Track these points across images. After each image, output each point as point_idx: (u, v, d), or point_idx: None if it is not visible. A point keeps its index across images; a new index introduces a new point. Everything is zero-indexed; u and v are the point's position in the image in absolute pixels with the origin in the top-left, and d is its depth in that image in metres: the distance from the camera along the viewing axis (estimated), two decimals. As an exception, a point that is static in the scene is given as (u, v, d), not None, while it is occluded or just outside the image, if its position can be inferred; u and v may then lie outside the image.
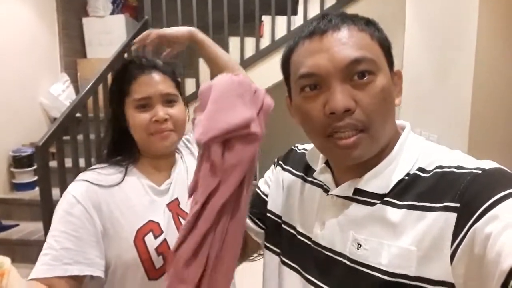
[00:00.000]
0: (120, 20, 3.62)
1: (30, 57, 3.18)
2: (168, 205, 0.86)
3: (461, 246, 0.44)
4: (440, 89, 1.65)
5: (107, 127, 0.92)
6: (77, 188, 0.79)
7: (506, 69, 1.38)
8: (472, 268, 0.43)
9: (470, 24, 1.38)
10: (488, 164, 0.48)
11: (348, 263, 0.54)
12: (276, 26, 2.88)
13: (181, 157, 0.98)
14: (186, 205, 0.87)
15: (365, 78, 0.51)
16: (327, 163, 0.62)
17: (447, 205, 0.47)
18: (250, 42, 2.95)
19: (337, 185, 0.59)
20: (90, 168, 0.86)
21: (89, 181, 0.80)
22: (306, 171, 0.68)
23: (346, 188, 0.57)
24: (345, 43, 0.51)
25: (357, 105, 0.51)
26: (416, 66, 1.87)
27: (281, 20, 2.89)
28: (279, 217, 0.69)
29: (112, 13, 3.69)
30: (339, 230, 0.56)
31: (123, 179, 0.84)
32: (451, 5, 1.54)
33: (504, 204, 0.42)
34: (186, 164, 0.97)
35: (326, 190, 0.61)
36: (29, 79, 3.16)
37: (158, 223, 0.82)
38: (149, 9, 3.00)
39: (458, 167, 0.49)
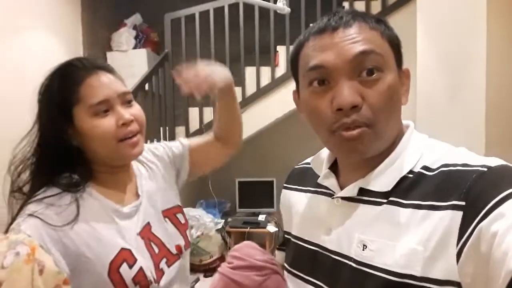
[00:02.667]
0: (142, 54, 3.79)
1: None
2: (139, 233, 0.78)
3: (467, 245, 0.43)
4: (453, 109, 1.66)
5: (36, 150, 0.74)
6: (30, 227, 0.66)
7: None
8: (478, 267, 0.43)
9: (480, 43, 1.41)
10: (494, 162, 0.48)
11: (354, 265, 0.53)
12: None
13: (150, 171, 0.89)
14: (159, 227, 0.82)
15: (373, 76, 0.51)
16: (331, 168, 0.63)
17: (452, 204, 0.46)
18: (265, 71, 3.04)
19: (341, 189, 0.59)
20: (38, 197, 0.70)
21: (40, 219, 0.67)
22: (309, 183, 0.68)
23: (351, 189, 0.57)
24: (354, 39, 0.51)
25: (364, 101, 0.51)
26: (429, 87, 1.89)
27: (296, 50, 2.97)
28: (288, 233, 0.71)
29: (135, 47, 3.88)
30: (345, 232, 0.56)
31: (78, 214, 0.70)
32: (460, 26, 1.59)
33: (510, 202, 0.42)
34: (158, 183, 0.89)
35: (331, 195, 0.61)
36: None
37: (129, 250, 0.74)
38: (169, 43, 3.15)
39: (463, 165, 0.49)
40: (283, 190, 0.77)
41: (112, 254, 0.72)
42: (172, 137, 3.18)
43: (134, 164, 0.89)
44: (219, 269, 0.66)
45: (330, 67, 0.52)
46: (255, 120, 3.01)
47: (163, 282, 0.78)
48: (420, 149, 0.55)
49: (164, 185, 0.92)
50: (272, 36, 2.97)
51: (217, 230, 3.10)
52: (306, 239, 0.64)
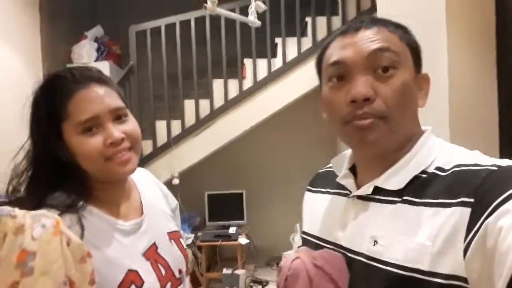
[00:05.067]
0: (104, 66, 3.68)
1: (16, 104, 3.18)
2: (144, 254, 0.74)
3: (474, 241, 0.45)
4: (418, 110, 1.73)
5: (30, 164, 0.71)
6: None
7: (481, 92, 1.47)
8: (485, 262, 0.43)
9: (441, 45, 1.48)
10: (505, 162, 0.49)
11: (364, 260, 0.55)
12: (257, 68, 3.01)
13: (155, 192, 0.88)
14: (166, 249, 0.79)
15: (388, 72, 0.54)
16: (351, 169, 0.65)
17: (462, 201, 0.47)
18: (233, 83, 3.06)
19: (358, 189, 0.61)
20: None
21: None
22: (330, 185, 0.70)
23: (366, 188, 0.59)
24: (372, 38, 0.55)
25: (377, 95, 0.53)
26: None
27: (262, 62, 3.03)
28: (307, 233, 0.72)
29: (96, 60, 3.77)
30: (359, 230, 0.58)
31: (82, 236, 0.66)
32: (421, 30, 1.66)
33: None
34: (163, 206, 0.87)
35: (348, 195, 0.63)
36: (14, 126, 3.14)
37: (136, 272, 0.71)
38: (134, 55, 3.10)
39: (475, 165, 0.50)
40: (306, 192, 0.79)
41: (120, 276, 0.68)
42: (139, 151, 3.10)
43: (141, 182, 0.85)
44: (303, 257, 0.59)
45: (348, 63, 0.55)
46: (223, 132, 3.01)
47: None
48: (434, 151, 0.56)
49: (167, 210, 0.90)
50: (239, 49, 3.01)
51: (188, 246, 3.04)
52: (325, 238, 0.65)
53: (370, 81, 0.54)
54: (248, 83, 3.05)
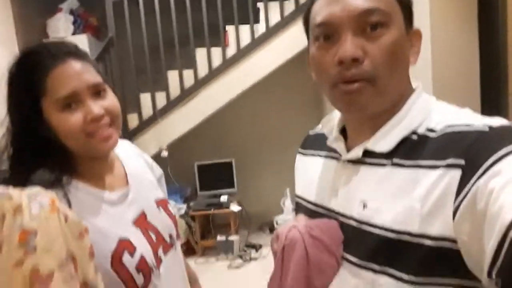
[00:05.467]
0: (82, 40, 3.57)
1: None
2: (134, 223, 0.76)
3: (463, 202, 0.44)
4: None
5: (9, 141, 0.70)
6: None
7: (462, 51, 1.48)
8: (475, 224, 0.43)
9: (423, 22, 1.48)
10: (497, 122, 0.48)
11: (354, 224, 0.55)
12: (240, 35, 2.96)
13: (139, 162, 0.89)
14: (154, 216, 0.82)
15: (377, 30, 0.51)
16: (342, 132, 0.64)
17: (452, 162, 0.46)
18: (216, 52, 3.00)
19: (349, 151, 0.60)
20: None
21: None
22: (322, 147, 0.69)
23: (356, 151, 0.58)
24: None
25: (366, 56, 0.51)
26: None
27: (245, 28, 2.97)
28: (300, 197, 0.72)
29: (74, 33, 3.64)
30: (349, 194, 0.58)
31: (70, 208, 0.66)
32: None
33: (507, 160, 0.42)
34: (148, 175, 0.89)
35: (339, 159, 0.62)
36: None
37: (128, 239, 0.73)
38: (112, 27, 3.00)
39: (466, 125, 0.49)
40: (297, 155, 0.77)
41: (112, 245, 0.70)
42: (124, 126, 3.07)
43: (124, 153, 0.86)
44: (299, 227, 0.59)
45: (335, 22, 0.52)
46: (209, 102, 2.99)
47: (162, 269, 0.78)
48: (425, 111, 0.55)
49: (153, 178, 0.92)
50: (220, 16, 2.93)
51: (181, 216, 3.10)
52: (318, 203, 0.65)
53: (359, 41, 0.51)
54: (231, 51, 3.00)
